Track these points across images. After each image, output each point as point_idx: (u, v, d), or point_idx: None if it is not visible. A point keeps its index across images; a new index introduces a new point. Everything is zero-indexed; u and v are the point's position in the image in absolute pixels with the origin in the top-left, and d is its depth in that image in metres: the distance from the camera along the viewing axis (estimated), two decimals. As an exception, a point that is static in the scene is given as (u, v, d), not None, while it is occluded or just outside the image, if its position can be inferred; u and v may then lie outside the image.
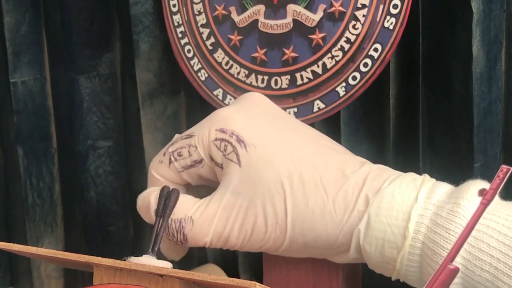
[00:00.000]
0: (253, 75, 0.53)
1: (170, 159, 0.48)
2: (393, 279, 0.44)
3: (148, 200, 0.47)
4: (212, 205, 0.45)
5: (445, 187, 0.43)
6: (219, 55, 0.54)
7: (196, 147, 0.47)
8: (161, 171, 0.48)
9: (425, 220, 0.41)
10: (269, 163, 0.45)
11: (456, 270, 0.39)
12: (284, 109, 0.52)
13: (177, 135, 0.49)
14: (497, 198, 0.41)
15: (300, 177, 0.44)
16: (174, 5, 0.56)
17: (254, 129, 0.46)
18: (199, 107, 0.60)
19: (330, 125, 0.53)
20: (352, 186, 0.43)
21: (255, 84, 0.53)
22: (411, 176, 0.44)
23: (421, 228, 0.41)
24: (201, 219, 0.45)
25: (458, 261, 0.40)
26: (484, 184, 0.41)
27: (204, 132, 0.46)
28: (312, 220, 0.43)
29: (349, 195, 0.43)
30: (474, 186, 0.41)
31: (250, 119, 0.47)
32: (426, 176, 0.44)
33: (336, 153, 0.46)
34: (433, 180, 0.44)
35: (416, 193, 0.42)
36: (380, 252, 0.42)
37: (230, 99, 0.54)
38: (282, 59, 0.51)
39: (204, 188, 0.49)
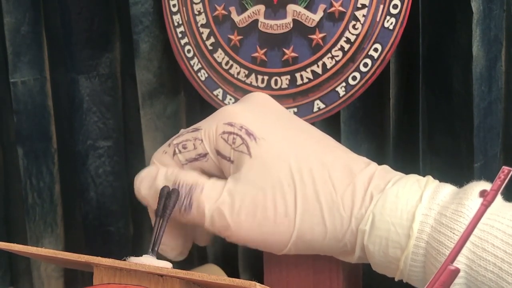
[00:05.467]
0: (253, 75, 0.53)
1: (174, 150, 0.47)
2: (396, 279, 0.44)
3: (156, 170, 0.47)
4: (222, 186, 0.45)
5: (449, 188, 0.43)
6: (219, 55, 0.54)
7: (202, 140, 0.47)
8: (164, 160, 0.48)
9: (430, 220, 0.41)
10: (279, 156, 0.45)
11: (457, 271, 0.39)
12: (284, 109, 0.52)
13: (182, 130, 0.49)
14: (500, 199, 0.41)
15: (310, 172, 0.44)
16: (174, 5, 0.56)
17: (262, 124, 0.46)
18: (199, 107, 0.60)
19: (330, 125, 0.53)
20: (359, 184, 0.43)
21: (255, 84, 0.53)
22: (415, 177, 0.44)
23: (426, 228, 0.41)
24: (211, 190, 0.45)
25: (462, 261, 0.40)
26: (488, 185, 0.41)
27: (211, 126, 0.47)
28: (321, 215, 0.43)
29: (357, 193, 0.43)
30: (478, 187, 0.41)
31: (257, 116, 0.47)
32: (429, 178, 0.44)
33: (341, 152, 0.46)
34: (437, 181, 0.44)
35: (420, 194, 0.42)
36: (384, 252, 0.42)
37: (230, 99, 0.54)
38: (282, 59, 0.51)
39: None
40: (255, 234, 0.45)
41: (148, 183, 0.48)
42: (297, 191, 0.44)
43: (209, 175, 0.48)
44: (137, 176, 0.49)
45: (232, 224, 0.45)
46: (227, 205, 0.45)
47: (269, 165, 0.45)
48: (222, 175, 0.47)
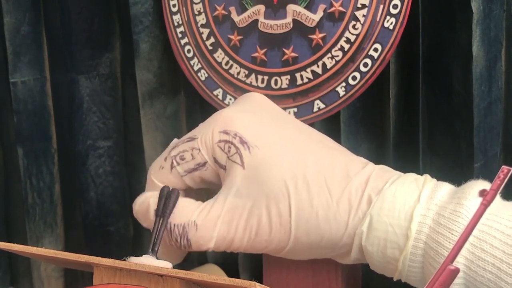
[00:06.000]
0: (253, 75, 0.53)
1: (172, 163, 0.47)
2: (395, 279, 0.44)
3: (147, 204, 0.47)
4: (215, 208, 0.45)
5: (447, 187, 0.43)
6: (219, 55, 0.54)
7: (199, 149, 0.46)
8: (161, 177, 0.48)
9: (428, 220, 0.41)
10: (272, 164, 0.44)
11: (457, 270, 0.39)
12: (284, 109, 0.52)
13: (175, 140, 0.49)
14: (499, 199, 0.41)
15: (304, 178, 0.44)
16: (174, 5, 0.56)
17: (257, 129, 0.46)
18: (199, 107, 0.60)
19: (330, 125, 0.52)
20: (355, 187, 0.43)
21: (255, 84, 0.53)
22: (413, 176, 0.44)
23: (424, 228, 0.41)
24: (205, 223, 0.45)
25: (460, 262, 0.40)
26: (486, 185, 0.41)
27: (207, 134, 0.46)
28: (316, 220, 0.43)
29: (353, 196, 0.43)
30: (477, 186, 0.41)
31: (253, 119, 0.47)
32: (427, 177, 0.44)
33: (339, 153, 0.46)
34: (435, 180, 0.44)
35: (418, 193, 0.42)
36: (382, 253, 0.42)
37: (230, 99, 0.54)
38: (282, 59, 0.51)
39: (203, 191, 0.49)
40: (254, 244, 0.45)
41: (142, 216, 0.47)
42: (291, 198, 0.44)
43: (209, 183, 0.47)
44: (134, 203, 0.48)
45: (234, 241, 0.45)
46: (225, 227, 0.45)
47: (262, 175, 0.44)
48: (221, 182, 0.47)
